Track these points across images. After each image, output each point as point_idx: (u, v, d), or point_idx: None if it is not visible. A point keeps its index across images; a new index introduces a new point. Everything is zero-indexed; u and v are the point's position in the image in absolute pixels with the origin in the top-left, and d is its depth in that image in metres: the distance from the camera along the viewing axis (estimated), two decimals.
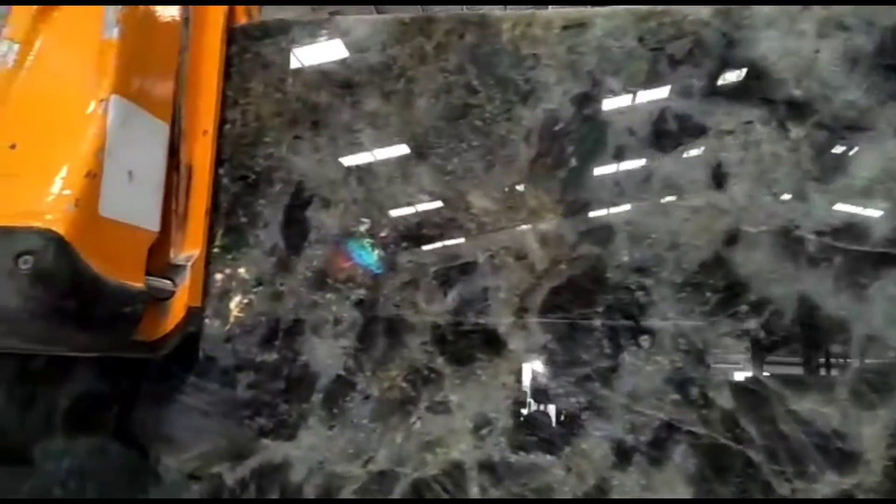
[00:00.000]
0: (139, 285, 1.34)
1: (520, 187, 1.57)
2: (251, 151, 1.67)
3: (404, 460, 1.49)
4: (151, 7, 1.38)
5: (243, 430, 1.56)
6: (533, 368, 1.50)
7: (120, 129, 1.26)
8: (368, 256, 1.60)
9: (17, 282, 1.06)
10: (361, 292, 1.58)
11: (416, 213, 1.59)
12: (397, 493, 1.47)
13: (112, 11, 1.25)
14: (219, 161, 1.67)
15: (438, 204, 1.59)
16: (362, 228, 1.61)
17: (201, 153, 1.63)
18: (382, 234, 1.60)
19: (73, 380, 1.63)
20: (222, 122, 1.68)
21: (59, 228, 1.09)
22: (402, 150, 1.62)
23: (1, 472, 1.58)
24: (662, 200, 1.51)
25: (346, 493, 1.48)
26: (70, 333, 1.16)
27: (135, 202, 1.32)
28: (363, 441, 1.51)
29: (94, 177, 1.19)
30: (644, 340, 1.48)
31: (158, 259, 1.55)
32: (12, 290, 1.06)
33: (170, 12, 1.45)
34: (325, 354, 1.57)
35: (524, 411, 1.49)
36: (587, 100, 1.58)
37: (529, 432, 1.48)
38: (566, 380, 1.49)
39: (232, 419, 1.57)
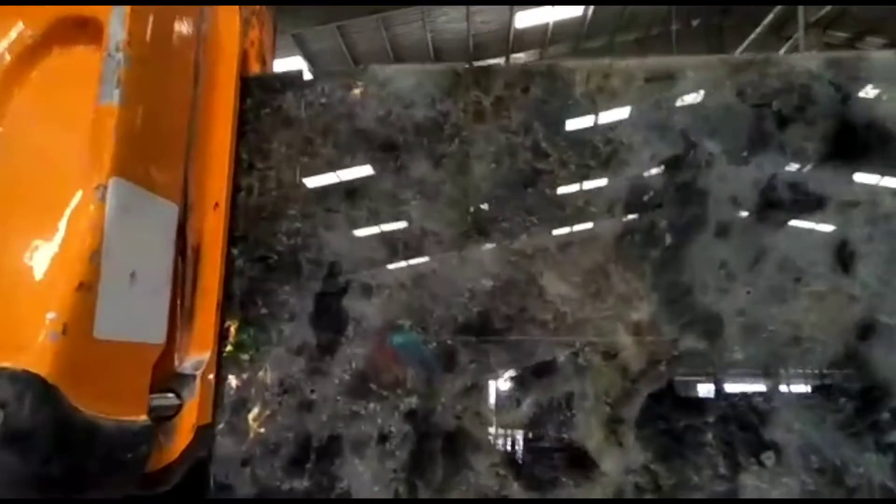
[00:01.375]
0: (142, 419, 1.03)
1: (605, 269, 1.30)
2: (272, 227, 1.38)
3: None
4: (158, 59, 1.09)
5: None
6: (633, 495, 1.21)
7: (121, 220, 0.96)
8: (421, 355, 1.30)
9: None
10: (413, 401, 1.28)
11: (478, 302, 1.31)
12: None
13: (111, 69, 0.96)
14: (232, 239, 1.37)
15: (505, 290, 1.31)
16: (412, 321, 1.32)
17: (212, 231, 1.33)
18: (437, 328, 1.31)
19: None
20: (236, 190, 1.39)
21: (41, 368, 0.78)
22: (459, 225, 1.35)
23: None
24: (779, 285, 1.26)
25: None
26: (55, 500, 0.85)
27: (137, 311, 1.01)
28: None
29: (87, 289, 0.88)
30: (767, 458, 1.21)
31: (160, 368, 1.24)
32: None
33: (181, 64, 1.17)
34: (371, 480, 1.26)
35: None
36: (680, 164, 1.33)
37: None
38: None
39: None
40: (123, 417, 0.97)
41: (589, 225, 1.32)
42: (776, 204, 1.29)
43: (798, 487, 1.19)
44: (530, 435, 1.25)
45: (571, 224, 1.33)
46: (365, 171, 1.39)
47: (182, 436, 1.21)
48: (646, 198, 1.32)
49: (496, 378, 1.28)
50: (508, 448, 1.25)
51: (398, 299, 1.33)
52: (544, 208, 1.34)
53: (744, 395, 1.22)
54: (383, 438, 1.27)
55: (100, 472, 0.88)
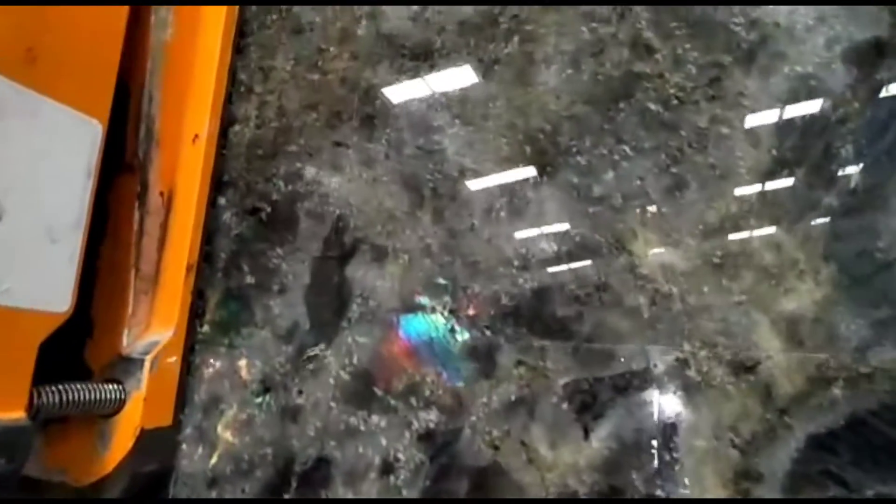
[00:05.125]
0: (13, 416, 0.72)
1: (741, 226, 0.80)
2: (268, 169, 1.03)
3: None
4: None
5: None
6: None
7: None
8: (447, 350, 0.89)
9: None
10: (432, 416, 0.87)
11: (535, 276, 0.87)
12: None
13: None
14: (217, 185, 1.04)
15: (576, 258, 0.86)
16: (439, 301, 0.91)
17: (188, 171, 1.01)
18: (472, 312, 0.89)
19: None
20: (227, 121, 1.06)
21: None
22: (513, 160, 0.91)
23: None
24: None
25: None
26: None
27: (14, 262, 0.71)
28: None
29: None
30: None
31: (101, 346, 0.95)
32: None
33: None
34: None
35: None
36: (882, 53, 0.79)
37: None
38: None
39: None
40: None
41: (718, 156, 0.83)
42: None
43: None
44: (603, 484, 0.79)
45: (688, 156, 0.84)
46: (388, 89, 1.00)
47: (120, 441, 0.90)
48: (816, 110, 0.80)
49: (554, 392, 0.83)
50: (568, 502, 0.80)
51: (420, 268, 0.92)
52: (645, 132, 0.86)
53: None
54: (387, 468, 0.88)
55: None
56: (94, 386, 0.88)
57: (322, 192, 1.00)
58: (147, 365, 0.91)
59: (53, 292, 0.77)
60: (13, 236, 0.72)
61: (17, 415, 0.73)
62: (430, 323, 0.91)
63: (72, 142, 0.79)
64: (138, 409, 0.90)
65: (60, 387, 0.82)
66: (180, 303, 0.97)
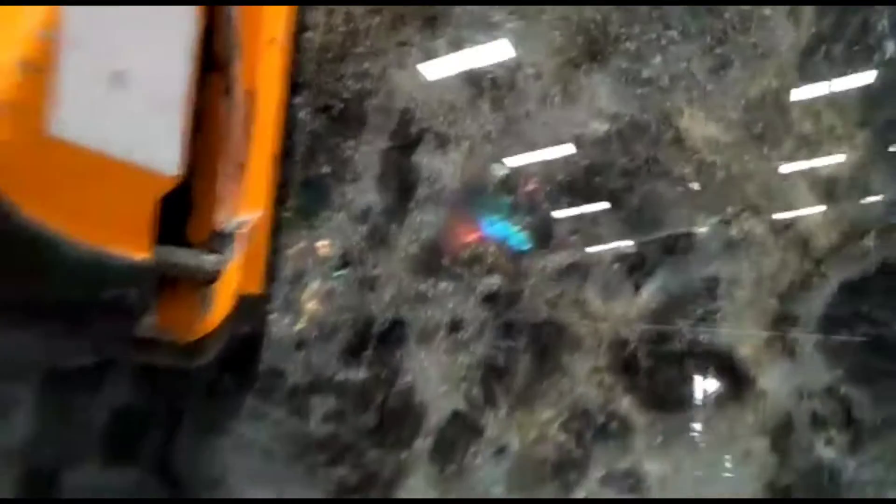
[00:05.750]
0: (138, 256, 0.84)
1: (780, 100, 0.87)
2: (338, 70, 1.13)
3: None
4: None
5: (317, 481, 1.03)
6: (806, 427, 0.81)
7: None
8: (507, 224, 0.99)
9: None
10: (495, 281, 0.98)
11: (588, 153, 0.96)
12: None
13: None
14: (294, 88, 1.14)
15: (627, 136, 0.94)
16: (499, 178, 1.00)
17: (267, 72, 1.11)
18: (530, 188, 0.98)
19: (114, 386, 1.19)
20: (300, 27, 1.15)
21: None
22: (566, 50, 0.99)
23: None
24: None
25: None
26: None
27: (127, 122, 0.82)
28: None
29: (36, 71, 0.70)
30: None
31: (200, 223, 1.06)
32: None
33: None
34: (438, 377, 0.99)
35: None
36: None
37: None
38: (877, 453, 0.78)
39: (301, 464, 1.04)
40: (108, 247, 0.79)
41: (759, 35, 0.89)
42: None
43: None
44: (653, 334, 0.89)
45: (731, 37, 0.90)
46: None
47: (221, 303, 1.02)
48: None
49: (607, 254, 0.93)
50: (619, 349, 0.90)
51: (481, 153, 1.02)
52: (691, 18, 0.93)
53: None
54: (455, 327, 0.99)
55: (60, 304, 0.71)
56: (199, 254, 1.00)
57: (388, 90, 1.09)
58: (240, 238, 1.03)
59: (165, 157, 0.88)
60: (134, 102, 0.83)
61: (143, 254, 0.85)
62: (491, 200, 1.00)
63: (172, 27, 0.89)
64: (234, 276, 1.02)
65: (171, 247, 0.94)
66: (266, 188, 1.08)
